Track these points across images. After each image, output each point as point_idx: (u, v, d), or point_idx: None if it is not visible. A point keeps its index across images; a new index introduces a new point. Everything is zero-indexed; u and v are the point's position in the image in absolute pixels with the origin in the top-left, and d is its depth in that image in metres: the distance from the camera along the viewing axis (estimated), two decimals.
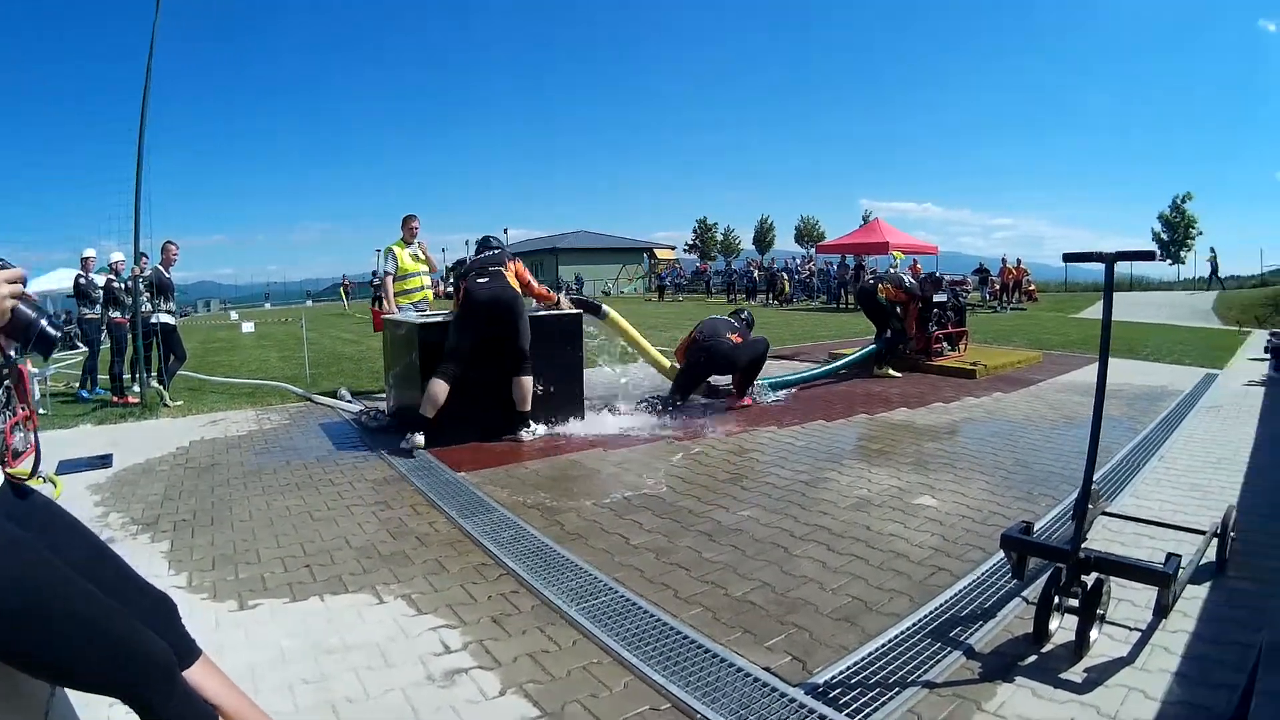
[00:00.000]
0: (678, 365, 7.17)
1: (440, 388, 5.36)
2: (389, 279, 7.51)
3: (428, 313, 7.17)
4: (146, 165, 7.48)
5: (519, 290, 5.75)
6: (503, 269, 5.70)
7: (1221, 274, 27.35)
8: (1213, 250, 27.50)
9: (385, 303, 7.57)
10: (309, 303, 51.19)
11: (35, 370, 7.33)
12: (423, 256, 7.75)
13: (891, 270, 10.47)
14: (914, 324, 8.56)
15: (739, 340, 6.80)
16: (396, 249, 7.55)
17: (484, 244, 6.15)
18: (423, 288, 7.76)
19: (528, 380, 5.63)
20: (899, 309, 8.46)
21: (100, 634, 1.35)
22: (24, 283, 1.43)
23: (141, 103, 7.48)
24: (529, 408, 5.72)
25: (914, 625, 2.62)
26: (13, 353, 2.14)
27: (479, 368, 5.60)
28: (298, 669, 2.52)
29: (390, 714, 2.25)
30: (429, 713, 2.26)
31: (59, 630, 1.29)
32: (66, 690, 1.74)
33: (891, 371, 8.29)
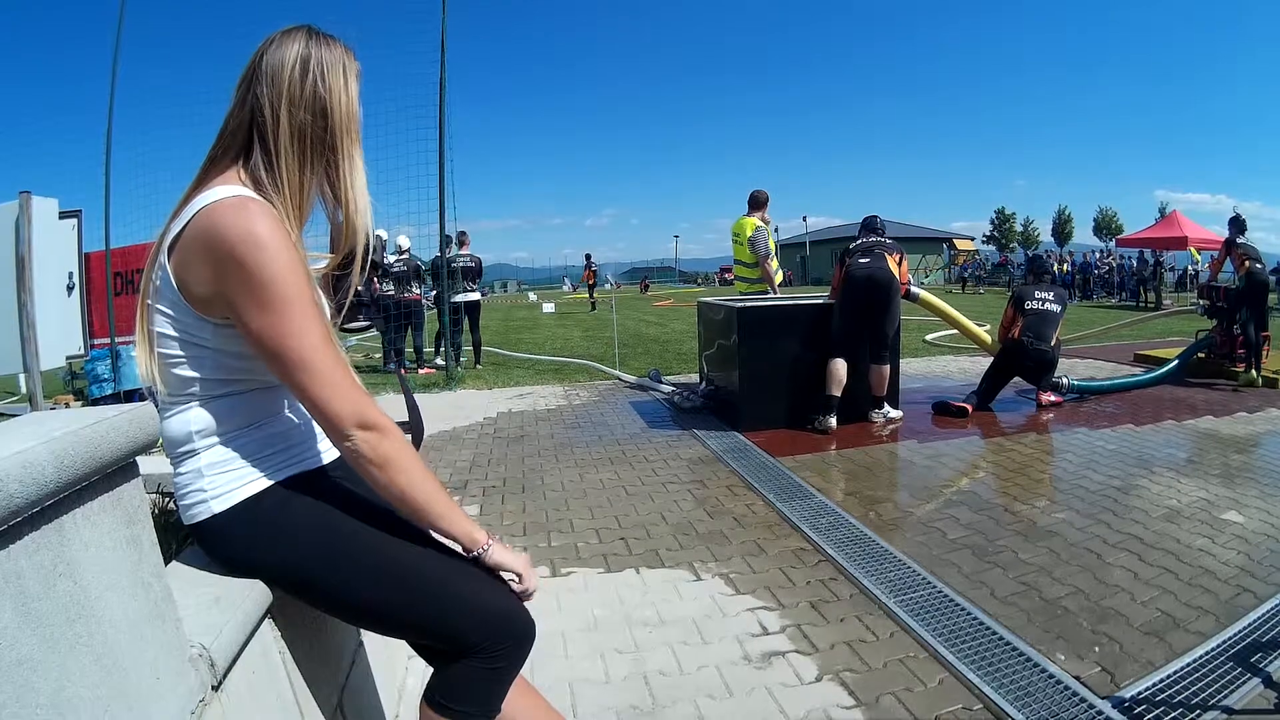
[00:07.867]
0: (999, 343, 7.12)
1: (840, 366, 5.86)
2: (768, 260, 7.42)
3: (782, 296, 7.38)
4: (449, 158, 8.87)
5: (896, 275, 5.96)
6: (886, 255, 6.01)
7: None
8: None
9: (769, 285, 7.48)
10: (611, 284, 55.43)
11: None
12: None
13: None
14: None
15: (1057, 340, 6.83)
16: (766, 228, 7.53)
17: (868, 226, 6.41)
18: (779, 269, 7.75)
19: (886, 369, 6.05)
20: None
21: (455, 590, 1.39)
22: None
23: (440, 96, 8.79)
24: (884, 393, 6.09)
25: (1218, 646, 2.64)
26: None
27: (791, 352, 6.00)
28: (610, 638, 2.76)
29: (703, 691, 2.40)
30: (743, 693, 2.38)
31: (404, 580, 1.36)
32: (366, 651, 1.95)
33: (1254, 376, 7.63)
